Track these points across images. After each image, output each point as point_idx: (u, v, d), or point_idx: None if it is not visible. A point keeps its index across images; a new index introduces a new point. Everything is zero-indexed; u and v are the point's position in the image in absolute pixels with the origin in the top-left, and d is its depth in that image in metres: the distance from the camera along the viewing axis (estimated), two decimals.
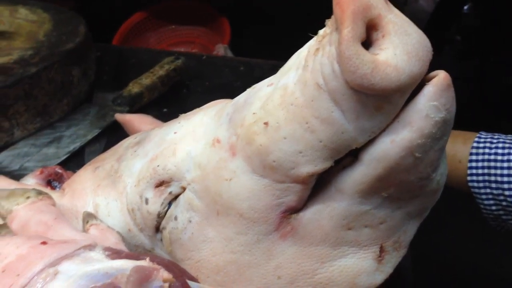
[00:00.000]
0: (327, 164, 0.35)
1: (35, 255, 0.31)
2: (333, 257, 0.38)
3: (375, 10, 0.32)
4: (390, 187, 0.35)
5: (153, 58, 0.98)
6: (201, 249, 0.41)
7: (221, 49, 1.49)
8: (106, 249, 0.35)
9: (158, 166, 0.43)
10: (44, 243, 0.33)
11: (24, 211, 0.43)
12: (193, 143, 0.42)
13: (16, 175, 0.67)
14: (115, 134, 0.77)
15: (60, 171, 0.60)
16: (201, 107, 0.49)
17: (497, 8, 1.50)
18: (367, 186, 0.35)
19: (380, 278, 0.38)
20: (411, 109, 0.33)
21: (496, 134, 0.70)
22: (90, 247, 0.34)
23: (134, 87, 0.86)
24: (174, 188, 0.42)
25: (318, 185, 0.37)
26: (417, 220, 0.39)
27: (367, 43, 0.33)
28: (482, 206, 0.69)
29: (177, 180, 0.42)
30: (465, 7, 1.61)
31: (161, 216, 0.43)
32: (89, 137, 0.80)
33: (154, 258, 0.33)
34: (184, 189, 0.42)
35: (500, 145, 0.67)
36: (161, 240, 0.44)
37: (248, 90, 0.41)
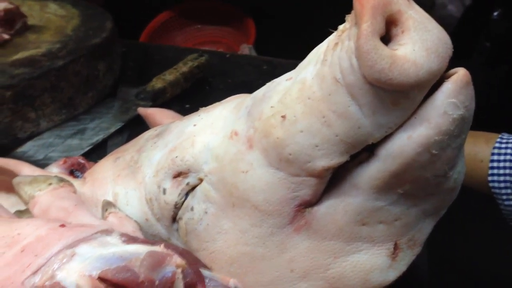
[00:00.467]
0: (342, 159, 0.35)
1: (54, 237, 0.32)
2: (347, 252, 0.38)
3: (395, 5, 0.32)
4: (406, 184, 0.35)
5: (178, 55, 1.00)
6: (216, 240, 0.41)
7: (246, 49, 1.50)
8: (123, 235, 0.35)
9: (176, 157, 0.44)
10: (62, 225, 0.34)
11: (46, 197, 0.44)
12: (212, 135, 0.43)
13: (41, 164, 0.68)
14: (137, 127, 0.79)
15: (82, 161, 0.62)
16: (221, 101, 0.49)
17: None
18: (383, 182, 0.35)
19: (393, 275, 0.38)
20: (429, 105, 0.33)
21: None
22: (107, 232, 0.35)
23: (157, 83, 0.87)
24: (191, 179, 0.43)
25: (334, 180, 0.38)
26: (433, 218, 0.39)
27: (386, 39, 0.33)
28: (502, 206, 0.68)
29: (195, 172, 0.43)
30: (494, 14, 1.58)
31: (178, 207, 0.43)
32: (112, 130, 0.81)
33: (169, 245, 0.33)
34: (201, 180, 0.42)
35: None
36: (177, 230, 0.44)
37: (268, 84, 0.42)
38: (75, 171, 0.61)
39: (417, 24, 0.33)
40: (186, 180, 0.43)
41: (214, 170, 0.41)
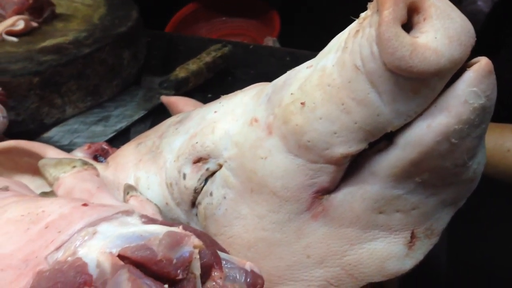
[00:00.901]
0: (361, 146, 0.35)
1: (76, 215, 0.33)
2: (363, 239, 0.38)
3: None
4: (424, 172, 0.35)
5: (201, 45, 1.00)
6: (234, 225, 0.42)
7: (270, 42, 1.50)
8: (143, 216, 0.36)
9: (197, 143, 0.44)
10: (85, 204, 0.34)
11: (70, 179, 0.45)
12: (232, 122, 0.43)
13: (66, 150, 0.69)
14: (160, 116, 0.80)
15: (106, 147, 0.63)
16: (242, 89, 0.50)
17: None
18: (401, 170, 0.35)
19: (409, 263, 0.38)
20: (450, 94, 0.33)
21: None
22: (128, 212, 0.36)
23: (180, 72, 0.88)
24: (211, 165, 0.43)
25: (352, 168, 0.38)
26: (452, 209, 0.38)
27: (408, 26, 0.33)
28: None
29: (215, 157, 0.43)
30: None
31: (197, 192, 0.44)
32: (135, 117, 0.83)
33: (187, 227, 0.34)
34: (220, 166, 0.43)
35: None
36: (196, 215, 0.45)
37: (288, 72, 0.42)
38: (99, 156, 0.62)
39: (440, 12, 0.32)
40: (206, 166, 0.44)
41: (234, 156, 0.42)
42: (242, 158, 0.41)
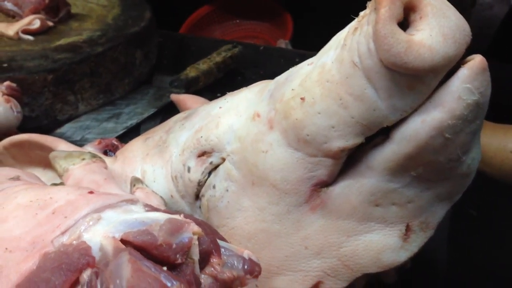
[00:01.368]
0: (358, 140, 0.36)
1: (82, 202, 0.34)
2: (359, 231, 0.39)
3: None
4: (419, 167, 0.36)
5: (212, 46, 1.02)
6: (235, 217, 0.43)
7: (283, 45, 1.51)
8: (146, 205, 0.37)
9: (201, 137, 0.46)
10: (91, 192, 0.36)
11: (79, 171, 0.46)
12: (236, 117, 0.44)
13: (78, 145, 0.71)
14: (169, 113, 0.81)
15: (116, 143, 0.65)
16: (247, 86, 0.51)
17: None
18: (396, 164, 0.36)
19: (404, 255, 0.39)
20: (444, 90, 0.34)
21: None
22: (132, 201, 0.37)
23: (191, 71, 0.90)
24: (214, 159, 0.45)
25: (349, 162, 0.39)
26: (447, 203, 0.39)
27: (405, 25, 0.34)
28: None
29: (218, 151, 0.45)
30: None
31: (201, 184, 0.45)
32: (146, 115, 0.85)
33: (188, 216, 0.35)
34: (223, 160, 0.44)
35: None
36: (200, 207, 0.46)
37: (291, 69, 0.43)
38: (109, 151, 0.64)
39: (436, 10, 0.33)
40: (210, 159, 0.45)
41: (237, 150, 0.43)
42: (244, 152, 0.42)
